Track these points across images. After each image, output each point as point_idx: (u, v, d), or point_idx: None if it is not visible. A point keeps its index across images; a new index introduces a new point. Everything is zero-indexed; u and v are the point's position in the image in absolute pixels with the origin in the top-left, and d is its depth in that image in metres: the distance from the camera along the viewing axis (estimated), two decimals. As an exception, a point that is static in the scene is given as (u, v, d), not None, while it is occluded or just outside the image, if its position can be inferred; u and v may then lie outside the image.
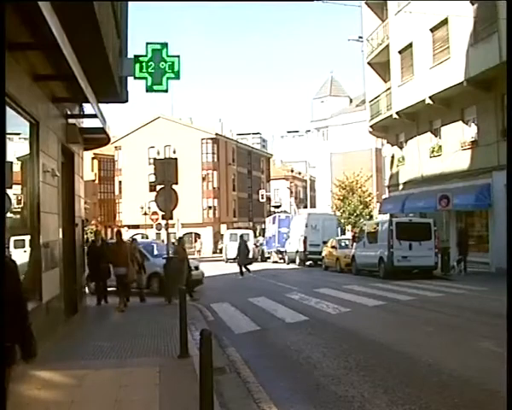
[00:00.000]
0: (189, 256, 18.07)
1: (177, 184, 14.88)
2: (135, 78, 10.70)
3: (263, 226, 57.48)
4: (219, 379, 6.32)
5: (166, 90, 10.81)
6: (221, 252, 46.85)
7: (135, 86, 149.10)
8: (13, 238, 7.56)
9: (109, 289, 14.55)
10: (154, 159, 18.66)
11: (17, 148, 8.19)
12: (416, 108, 26.60)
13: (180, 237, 18.11)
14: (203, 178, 63.07)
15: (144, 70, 10.57)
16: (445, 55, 23.87)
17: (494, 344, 7.93)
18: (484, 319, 10.81)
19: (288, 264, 34.20)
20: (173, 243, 18.47)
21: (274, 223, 40.70)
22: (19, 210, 8.01)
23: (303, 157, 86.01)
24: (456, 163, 24.03)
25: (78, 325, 10.95)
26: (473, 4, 21.74)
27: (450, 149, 24.75)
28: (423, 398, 5.77)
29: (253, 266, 30.58)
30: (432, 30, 24.88)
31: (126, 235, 58.53)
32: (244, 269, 24.94)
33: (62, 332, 9.61)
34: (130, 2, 12.25)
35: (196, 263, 19.08)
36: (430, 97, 24.66)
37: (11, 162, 7.58)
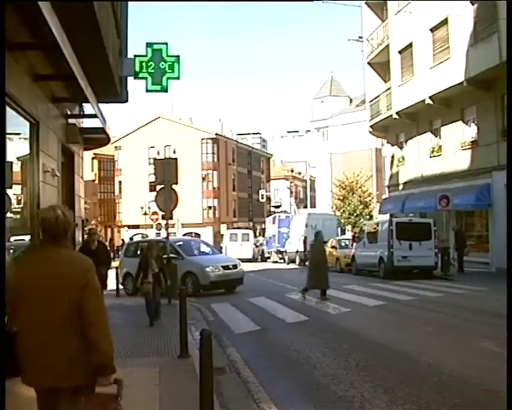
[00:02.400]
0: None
1: (177, 184, 14.89)
2: (135, 78, 10.70)
3: (263, 226, 57.49)
4: (219, 379, 6.32)
5: (166, 90, 10.81)
6: (221, 252, 46.84)
7: (135, 86, 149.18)
8: (13, 238, 7.56)
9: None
10: (154, 159, 18.69)
11: (17, 148, 8.19)
12: (416, 108, 26.59)
13: (318, 232, 16.76)
14: (203, 178, 63.04)
15: (144, 70, 10.57)
16: (445, 55, 23.86)
17: (494, 344, 7.94)
18: (484, 319, 10.81)
19: (288, 264, 34.20)
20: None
21: (274, 223, 40.71)
22: (19, 210, 8.00)
23: (303, 157, 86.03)
24: (456, 163, 24.02)
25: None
26: (473, 4, 21.73)
27: (450, 149, 24.74)
28: (423, 398, 5.77)
29: (254, 266, 30.58)
30: (432, 30, 24.87)
31: (126, 235, 58.65)
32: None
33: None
34: (130, 2, 12.24)
35: (236, 261, 18.63)
36: (430, 97, 24.65)
37: (11, 162, 7.57)
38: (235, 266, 17.57)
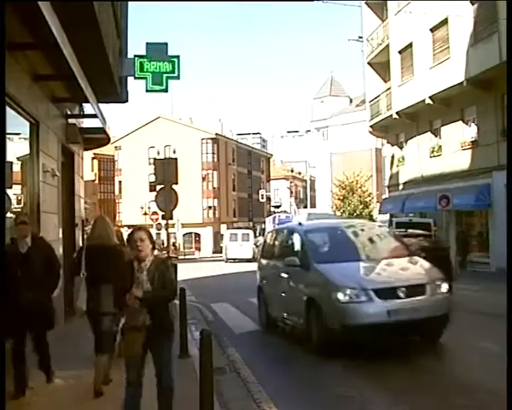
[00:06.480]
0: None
1: (177, 184, 14.88)
2: (135, 78, 10.70)
3: (263, 226, 57.49)
4: (219, 379, 6.32)
5: (166, 90, 10.81)
6: (221, 252, 46.90)
7: (135, 86, 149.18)
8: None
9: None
10: (154, 159, 18.68)
11: (17, 148, 8.19)
12: (416, 108, 26.59)
13: None
14: (203, 178, 63.07)
15: (144, 70, 10.57)
16: (444, 55, 23.87)
17: (494, 344, 7.93)
18: (484, 318, 10.80)
19: (288, 264, 34.10)
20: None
21: (274, 223, 40.69)
22: (19, 210, 8.00)
23: (303, 157, 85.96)
24: (456, 163, 24.02)
25: (78, 325, 10.93)
26: (473, 4, 21.74)
27: (450, 149, 24.75)
28: (423, 398, 5.77)
29: (254, 266, 30.55)
30: (432, 30, 24.88)
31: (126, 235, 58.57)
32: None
33: (62, 332, 9.60)
34: (130, 2, 12.24)
35: (422, 278, 8.06)
36: (430, 97, 24.66)
37: (11, 162, 7.58)
38: (414, 291, 7.68)
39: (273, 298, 10.04)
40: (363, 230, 10.23)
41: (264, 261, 11.22)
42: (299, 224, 10.02)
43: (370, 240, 9.73)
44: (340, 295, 7.60)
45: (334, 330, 7.58)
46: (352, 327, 7.45)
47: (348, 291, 7.58)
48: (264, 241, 11.94)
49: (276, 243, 10.93)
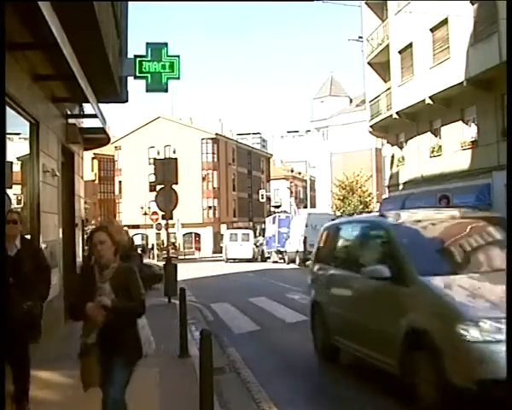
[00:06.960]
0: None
1: (177, 184, 14.89)
2: (135, 78, 10.71)
3: (263, 226, 57.52)
4: (219, 379, 6.32)
5: (166, 90, 10.83)
6: (221, 252, 46.95)
7: (135, 86, 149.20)
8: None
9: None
10: (154, 159, 18.69)
11: (17, 148, 8.19)
12: (416, 108, 26.58)
13: None
14: (203, 178, 63.11)
15: (144, 70, 10.58)
16: (444, 55, 23.86)
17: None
18: None
19: (288, 264, 34.21)
20: None
21: (274, 223, 40.73)
22: (19, 210, 8.01)
23: (303, 157, 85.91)
24: (456, 163, 24.02)
25: (78, 324, 10.94)
26: (473, 4, 21.74)
27: (450, 149, 24.74)
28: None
29: (254, 266, 30.59)
30: (432, 30, 24.87)
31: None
32: None
33: (62, 332, 9.60)
34: (130, 2, 12.25)
35: None
36: (430, 97, 24.64)
37: (11, 162, 7.58)
38: None
39: (340, 321, 7.10)
40: (474, 223, 6.61)
41: (321, 268, 8.21)
42: (382, 215, 7.15)
43: (490, 240, 6.45)
44: (474, 331, 4.64)
45: (463, 388, 4.73)
46: (491, 383, 4.51)
47: (486, 324, 4.62)
48: (320, 240, 8.71)
49: (343, 243, 7.85)
